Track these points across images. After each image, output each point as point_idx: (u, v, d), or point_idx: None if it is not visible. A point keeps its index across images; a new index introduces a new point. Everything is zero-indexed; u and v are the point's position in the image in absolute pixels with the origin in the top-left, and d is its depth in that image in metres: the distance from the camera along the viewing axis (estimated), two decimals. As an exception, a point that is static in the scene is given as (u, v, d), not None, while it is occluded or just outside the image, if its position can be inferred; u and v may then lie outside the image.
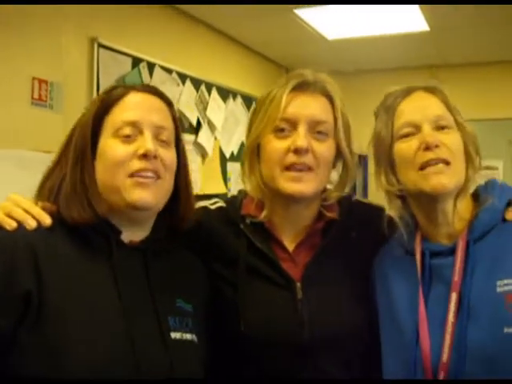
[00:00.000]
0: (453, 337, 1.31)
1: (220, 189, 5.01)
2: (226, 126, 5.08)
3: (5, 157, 2.96)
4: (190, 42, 4.80)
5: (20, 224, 1.24)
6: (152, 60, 4.29)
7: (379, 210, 1.57)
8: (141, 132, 1.32)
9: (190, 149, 4.78)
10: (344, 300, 1.52)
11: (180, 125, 1.45)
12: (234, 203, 1.62)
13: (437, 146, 1.35)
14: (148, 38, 4.32)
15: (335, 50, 5.77)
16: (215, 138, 5.03)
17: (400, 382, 1.38)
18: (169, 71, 4.50)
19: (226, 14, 4.73)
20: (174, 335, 1.32)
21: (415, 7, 4.48)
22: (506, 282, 1.29)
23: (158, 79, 4.36)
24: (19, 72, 3.29)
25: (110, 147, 1.31)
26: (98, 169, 1.32)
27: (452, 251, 1.38)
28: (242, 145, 5.03)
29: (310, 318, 1.46)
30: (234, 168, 5.21)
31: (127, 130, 1.32)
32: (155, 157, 1.31)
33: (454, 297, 1.34)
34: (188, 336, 1.36)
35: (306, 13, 4.68)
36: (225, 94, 5.16)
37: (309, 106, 1.50)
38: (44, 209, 1.29)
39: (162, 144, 1.35)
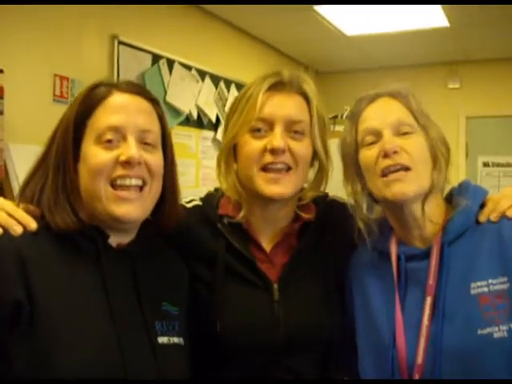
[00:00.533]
0: (427, 340, 1.31)
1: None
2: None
3: (28, 153, 3.00)
4: (209, 38, 4.82)
5: (5, 229, 1.19)
6: (172, 57, 4.32)
7: None
8: (124, 137, 1.27)
9: (209, 145, 4.80)
10: (320, 302, 1.51)
11: (167, 123, 1.39)
12: (210, 202, 1.59)
13: (395, 153, 1.35)
14: (168, 35, 4.35)
15: (354, 46, 5.76)
16: (234, 135, 5.05)
17: (385, 382, 1.38)
18: (188, 68, 4.52)
19: (245, 11, 4.75)
20: (162, 340, 1.30)
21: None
22: (479, 284, 1.30)
23: (178, 76, 4.39)
24: (41, 69, 3.34)
25: (93, 154, 1.26)
26: (82, 173, 1.27)
27: (427, 254, 1.38)
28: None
29: (286, 319, 1.46)
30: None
31: (109, 135, 1.26)
32: (139, 163, 1.26)
33: (428, 300, 1.34)
34: (175, 339, 1.34)
35: (324, 9, 4.68)
36: (244, 90, 5.17)
37: (285, 106, 1.49)
38: (28, 212, 1.24)
39: (148, 147, 1.30)
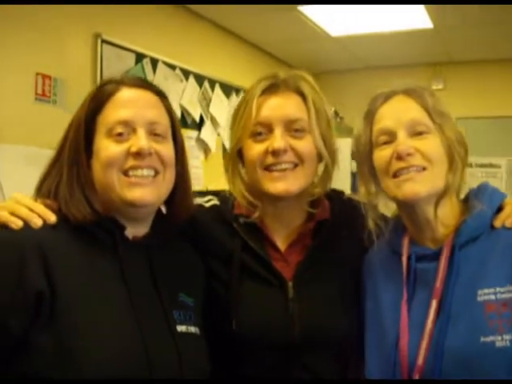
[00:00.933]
0: (429, 342, 1.31)
1: (223, 185, 5.01)
2: (229, 122, 5.07)
3: (9, 152, 2.96)
4: (193, 38, 4.80)
5: (26, 223, 1.23)
6: (155, 56, 4.29)
7: None
8: (134, 130, 1.31)
9: (192, 145, 4.78)
10: (335, 300, 1.52)
11: (175, 116, 1.44)
12: (227, 202, 1.62)
13: (409, 155, 1.33)
14: (151, 34, 4.32)
15: (339, 47, 5.76)
16: (218, 134, 5.03)
17: (394, 382, 1.37)
18: (172, 67, 4.50)
19: (229, 11, 4.73)
20: (180, 328, 1.34)
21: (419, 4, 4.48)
22: (486, 291, 1.29)
23: (162, 75, 4.36)
24: (23, 68, 3.29)
25: (104, 148, 1.30)
26: (95, 168, 1.31)
27: (437, 256, 1.37)
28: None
29: (301, 317, 1.47)
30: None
31: (119, 129, 1.30)
32: (150, 154, 1.30)
33: (434, 304, 1.33)
34: (192, 329, 1.37)
35: (309, 9, 4.68)
36: (228, 90, 5.16)
37: (281, 107, 1.51)
38: (46, 206, 1.28)
39: (158, 138, 1.34)
